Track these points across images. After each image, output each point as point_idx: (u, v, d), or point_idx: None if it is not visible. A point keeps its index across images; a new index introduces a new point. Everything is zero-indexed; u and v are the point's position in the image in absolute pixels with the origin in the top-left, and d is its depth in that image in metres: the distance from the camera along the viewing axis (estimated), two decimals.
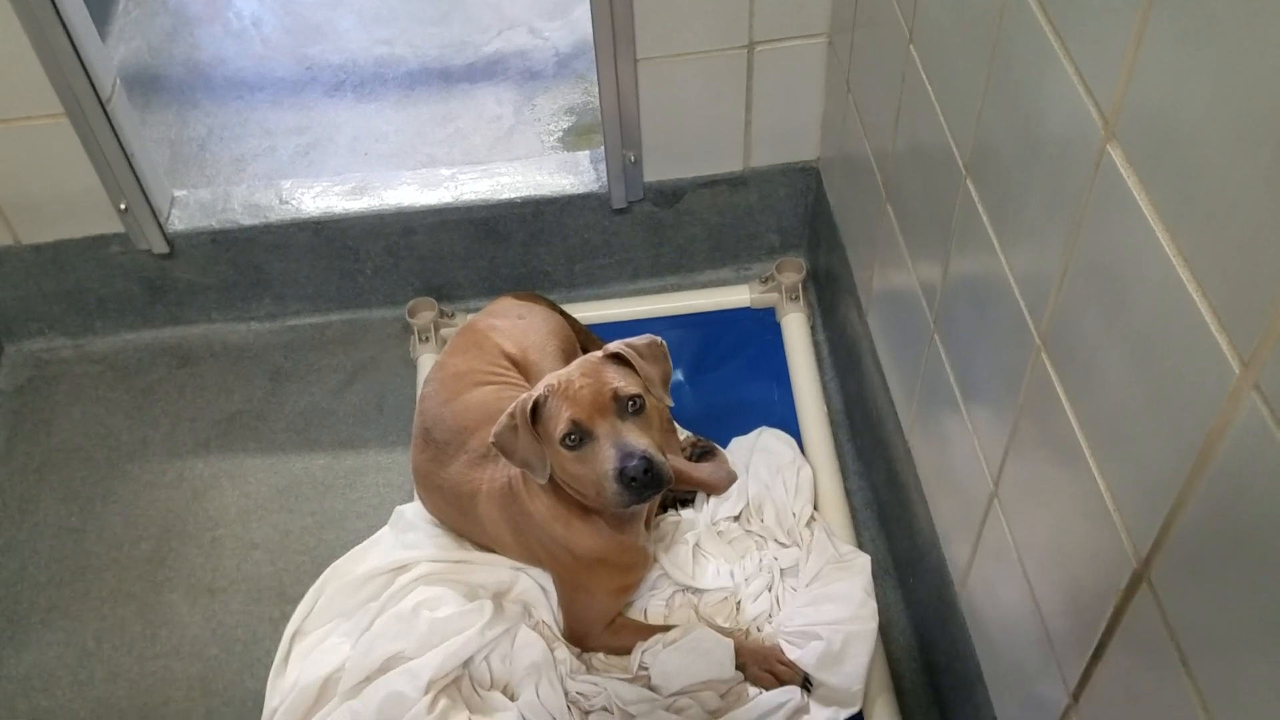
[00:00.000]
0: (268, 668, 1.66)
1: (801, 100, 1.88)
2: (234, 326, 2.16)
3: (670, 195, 2.03)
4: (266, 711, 1.60)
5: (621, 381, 1.41)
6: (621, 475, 1.36)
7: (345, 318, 2.16)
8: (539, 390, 1.43)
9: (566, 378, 1.42)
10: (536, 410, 1.42)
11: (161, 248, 2.00)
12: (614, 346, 1.46)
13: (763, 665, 1.54)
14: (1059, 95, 0.94)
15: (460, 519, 1.69)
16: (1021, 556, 1.14)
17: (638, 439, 1.38)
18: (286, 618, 1.70)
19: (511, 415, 1.44)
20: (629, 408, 1.40)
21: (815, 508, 1.73)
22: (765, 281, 2.07)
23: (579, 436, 1.39)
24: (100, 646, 1.76)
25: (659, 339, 1.50)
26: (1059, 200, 0.96)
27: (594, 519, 1.53)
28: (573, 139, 2.37)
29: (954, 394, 1.30)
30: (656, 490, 1.39)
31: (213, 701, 1.68)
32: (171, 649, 1.75)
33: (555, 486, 1.51)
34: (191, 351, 2.15)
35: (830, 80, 1.83)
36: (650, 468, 1.35)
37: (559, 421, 1.40)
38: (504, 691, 1.58)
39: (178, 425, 2.03)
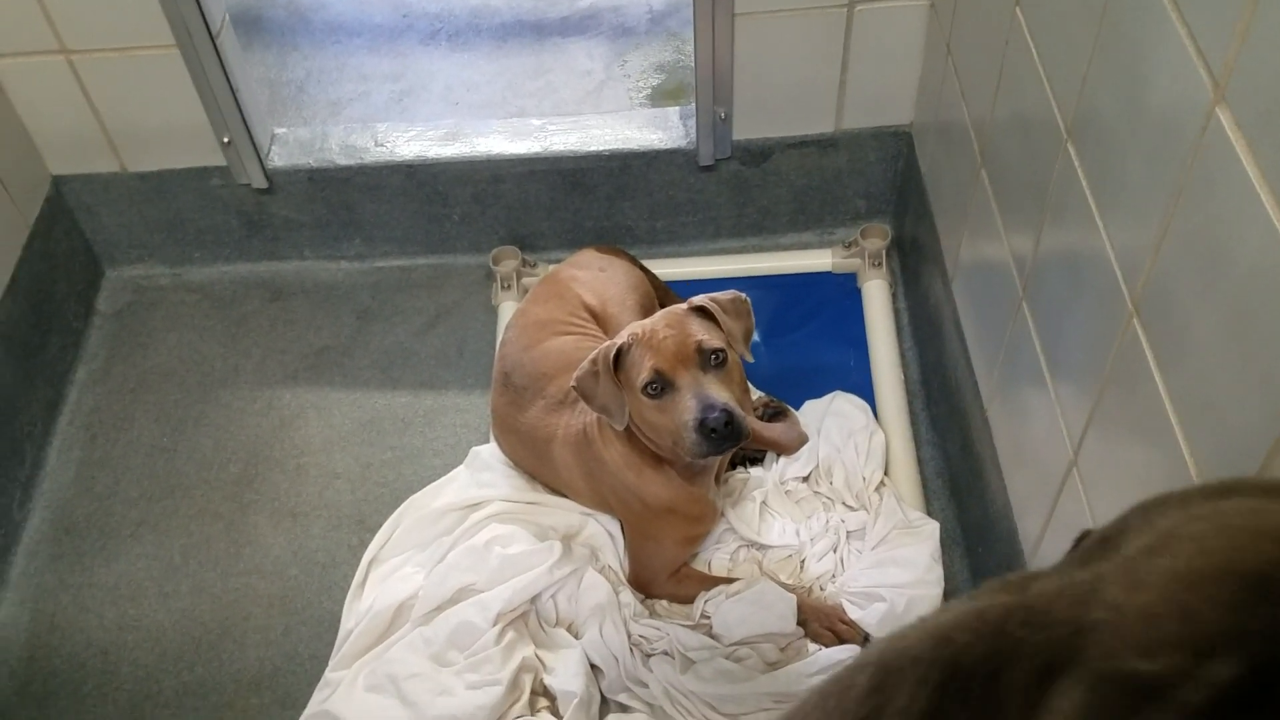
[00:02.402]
0: (345, 591, 1.72)
1: (899, 62, 1.87)
2: (325, 265, 2.21)
3: (758, 154, 2.03)
4: (342, 632, 1.65)
5: (705, 334, 1.42)
6: (701, 426, 1.38)
7: (431, 262, 2.20)
8: (622, 338, 1.46)
9: (651, 327, 1.44)
10: (619, 358, 1.45)
11: (261, 183, 2.06)
12: (699, 300, 1.48)
13: (824, 623, 1.56)
14: (1168, 56, 0.93)
15: (534, 462, 1.73)
16: (1096, 524, 1.14)
17: (718, 391, 1.40)
18: (364, 545, 1.75)
19: (594, 361, 1.46)
20: (711, 361, 1.42)
21: (886, 474, 1.73)
22: (848, 247, 2.07)
23: (660, 385, 1.41)
24: (186, 561, 1.83)
25: (743, 295, 1.51)
26: (1162, 164, 0.96)
27: (666, 469, 1.55)
28: (661, 98, 2.37)
29: (1039, 363, 1.30)
30: (734, 443, 1.41)
31: (291, 620, 1.75)
32: (254, 567, 1.81)
33: (630, 435, 1.53)
34: (284, 286, 2.20)
35: (930, 43, 1.81)
36: (730, 420, 1.37)
37: (641, 370, 1.42)
38: (568, 630, 1.62)
39: (268, 356, 2.09)
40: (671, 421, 1.42)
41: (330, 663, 1.62)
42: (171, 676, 1.70)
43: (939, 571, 1.56)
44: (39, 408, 1.98)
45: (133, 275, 2.24)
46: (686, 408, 1.40)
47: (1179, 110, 0.91)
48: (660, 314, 1.49)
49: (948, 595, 1.58)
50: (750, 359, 1.51)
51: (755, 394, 1.85)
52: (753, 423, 1.77)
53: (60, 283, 2.09)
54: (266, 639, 1.73)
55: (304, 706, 1.59)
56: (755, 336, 1.97)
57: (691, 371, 1.41)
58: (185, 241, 2.18)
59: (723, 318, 1.46)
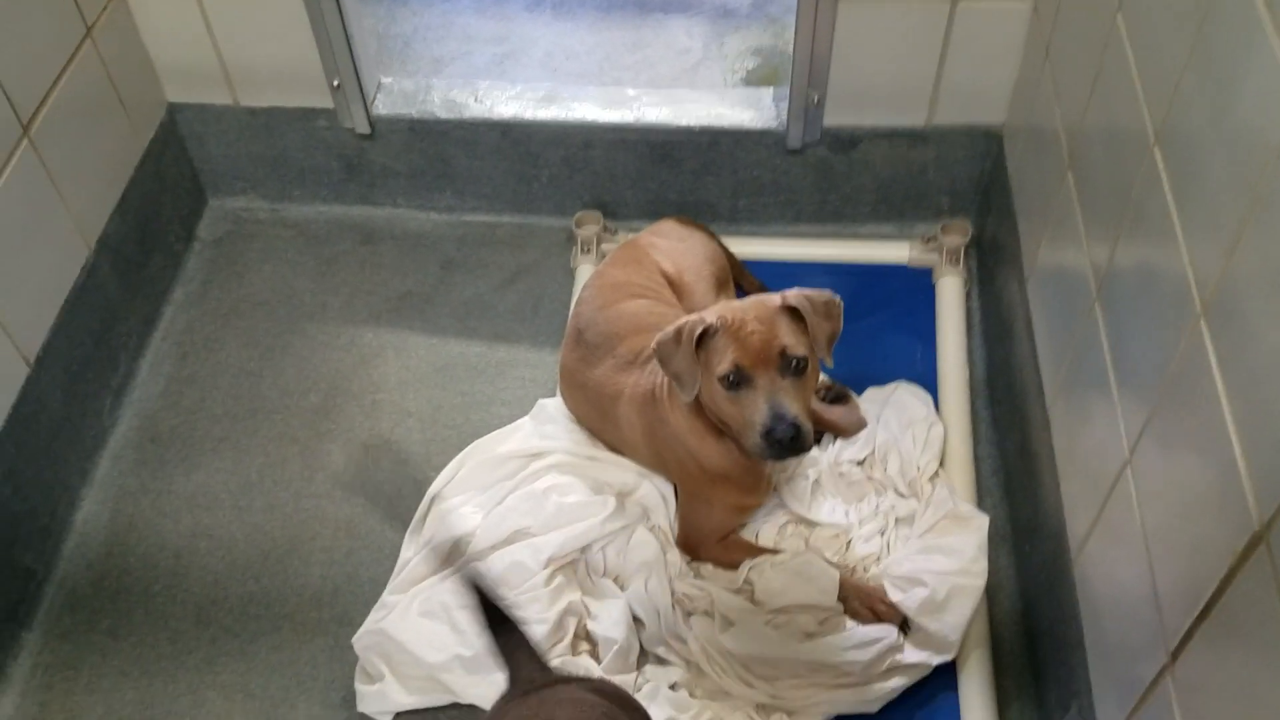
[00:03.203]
0: (407, 522, 1.76)
1: (996, 62, 1.87)
2: (415, 214, 2.25)
3: (846, 142, 2.03)
4: (401, 560, 1.70)
5: (791, 339, 1.43)
6: (768, 434, 1.39)
7: (516, 221, 2.23)
8: (711, 318, 1.45)
9: (740, 317, 1.44)
10: (704, 336, 1.45)
11: (364, 128, 2.11)
12: (792, 297, 1.46)
13: (864, 601, 1.57)
14: (1260, 68, 0.95)
15: (598, 419, 1.75)
16: (1144, 521, 1.16)
17: (791, 402, 1.40)
18: (429, 481, 1.79)
19: (680, 330, 1.46)
20: (792, 366, 1.42)
21: (940, 465, 1.73)
22: (927, 242, 2.07)
23: (737, 379, 1.43)
24: (262, 479, 1.89)
25: (838, 298, 1.50)
26: (1243, 172, 0.97)
27: (726, 440, 1.57)
28: (755, 82, 2.38)
29: (1105, 367, 1.31)
30: (795, 455, 1.43)
31: (355, 543, 1.80)
32: (325, 492, 1.86)
33: (696, 403, 1.55)
34: (375, 231, 2.24)
35: (1029, 45, 1.81)
36: (797, 436, 1.38)
37: (722, 359, 1.42)
38: (615, 581, 1.66)
39: (355, 295, 2.14)
40: (739, 415, 1.44)
41: (388, 586, 1.67)
42: (238, 584, 1.76)
43: (984, 564, 1.57)
44: (136, 321, 2.06)
45: (234, 206, 2.30)
46: (758, 409, 1.40)
47: (1265, 119, 0.92)
48: (751, 302, 1.48)
49: (989, 590, 1.59)
50: (830, 364, 1.50)
51: (819, 377, 1.86)
52: (815, 405, 1.79)
53: (166, 206, 2.15)
54: (330, 559, 1.78)
55: (360, 624, 1.64)
56: None
57: (770, 373, 1.42)
58: (286, 179, 2.23)
59: (812, 319, 1.45)
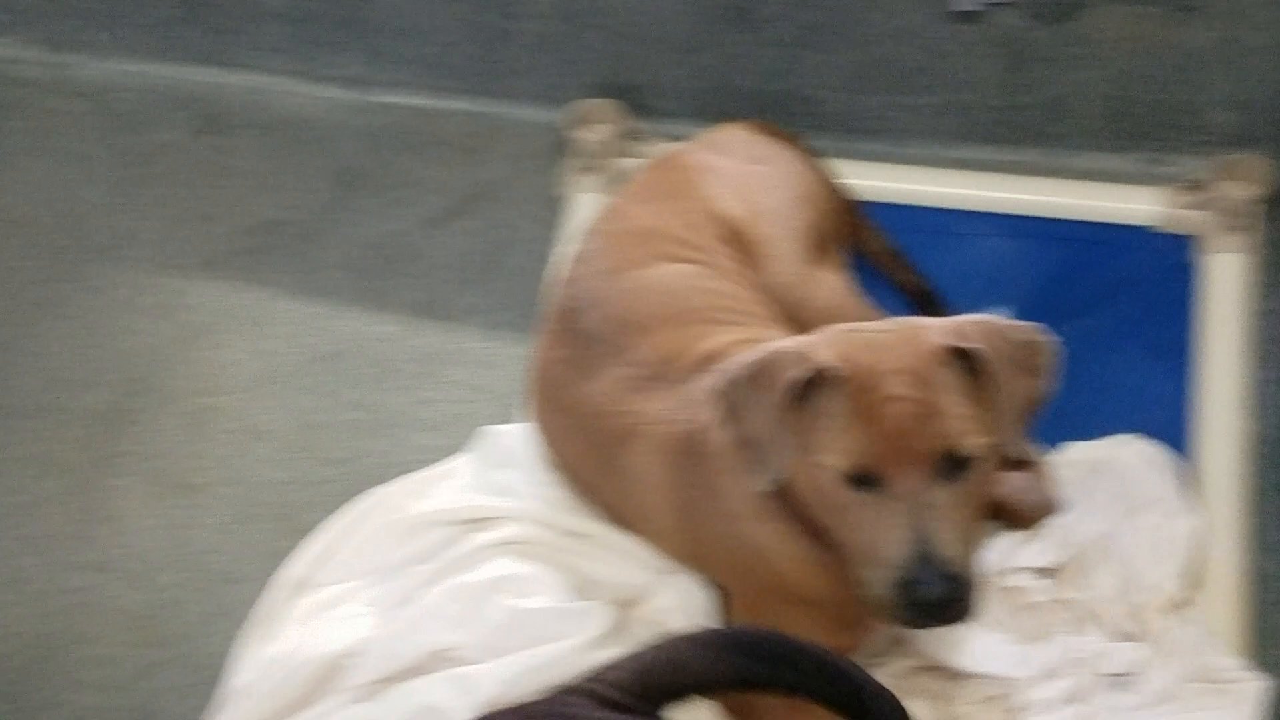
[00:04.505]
0: (245, 621, 1.70)
1: None
2: (297, 86, 2.21)
3: (1058, 5, 1.95)
4: (228, 688, 1.65)
5: (961, 418, 1.36)
6: (908, 589, 1.34)
7: (472, 108, 2.17)
8: (825, 355, 1.39)
9: (879, 371, 1.37)
10: (809, 386, 1.39)
11: None
12: (965, 332, 1.40)
13: None
14: None
15: (594, 467, 1.69)
16: None
17: (949, 531, 1.35)
18: (286, 553, 1.73)
19: (765, 369, 1.40)
20: (957, 466, 1.37)
21: (1192, 587, 1.68)
22: (1193, 189, 1.99)
23: (863, 479, 1.38)
24: (1, 535, 1.82)
25: (1046, 337, 1.44)
26: None
27: (821, 548, 1.50)
28: None
29: None
30: (944, 624, 1.39)
31: (153, 655, 1.73)
32: (104, 562, 1.80)
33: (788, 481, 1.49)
34: (226, 111, 2.21)
35: None
36: (952, 598, 1.34)
37: (840, 440, 1.37)
38: None
39: (183, 221, 2.08)
40: (860, 540, 1.39)
41: None
42: None
43: None
44: None
45: None
46: (892, 538, 1.35)
47: None
48: (899, 333, 1.42)
49: None
50: (1015, 452, 1.50)
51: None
52: None
53: None
54: (109, 680, 1.72)
55: None
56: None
57: (917, 476, 1.35)
58: (78, 11, 2.13)
59: (1001, 375, 1.38)
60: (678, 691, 1.18)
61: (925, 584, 1.34)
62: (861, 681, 1.20)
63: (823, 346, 1.41)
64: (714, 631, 1.18)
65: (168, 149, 2.12)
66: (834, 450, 1.37)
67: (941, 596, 1.34)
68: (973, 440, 1.37)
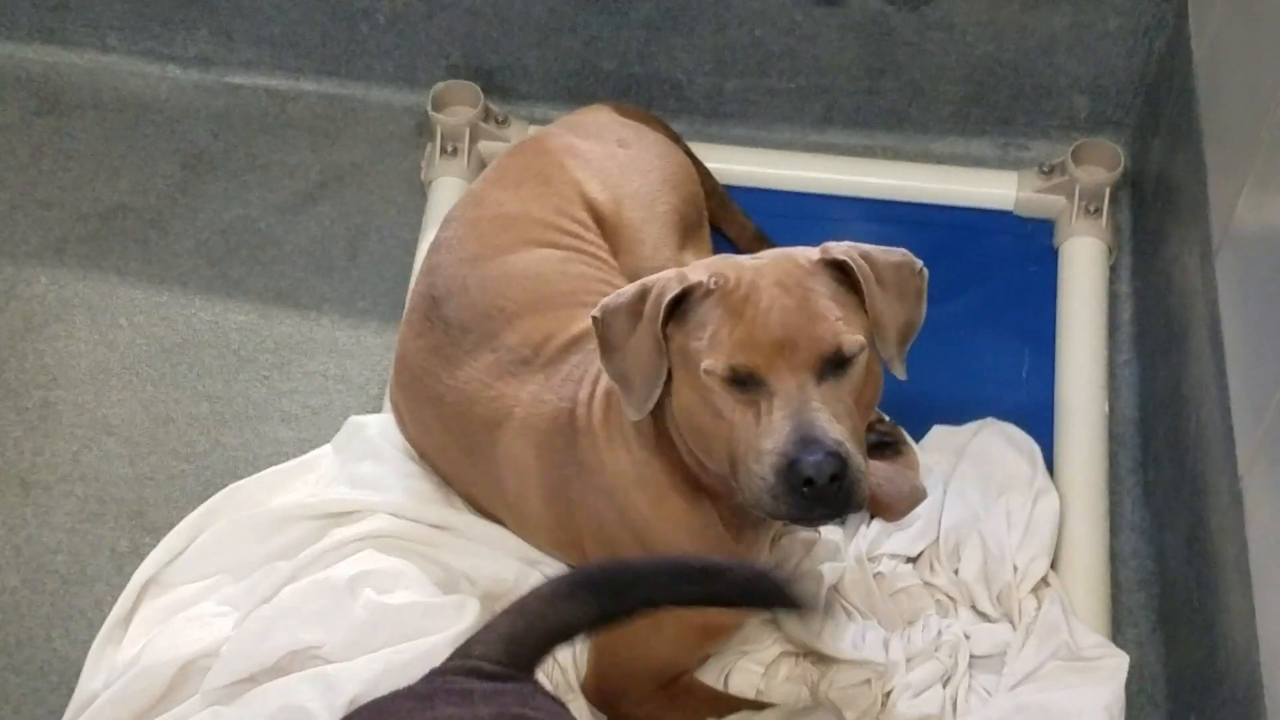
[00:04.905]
0: (94, 624, 1.67)
1: None
2: (142, 66, 2.19)
3: None
4: (81, 694, 1.61)
5: (840, 316, 1.39)
6: (791, 470, 1.35)
7: (327, 89, 2.17)
8: (699, 273, 1.43)
9: (751, 275, 1.42)
10: (681, 303, 1.42)
11: None
12: (841, 249, 1.44)
13: None
14: None
15: (460, 456, 1.69)
16: None
17: (829, 421, 1.37)
18: (139, 552, 1.72)
19: (643, 293, 1.43)
20: (836, 365, 1.39)
21: (1053, 567, 1.71)
22: (1048, 173, 2.02)
23: (741, 381, 1.40)
24: None
25: (918, 262, 1.48)
26: None
27: (701, 504, 1.52)
28: None
29: None
30: (837, 514, 1.42)
31: None
32: None
33: (658, 435, 1.51)
34: (66, 91, 2.19)
35: None
36: (841, 475, 1.35)
37: (717, 346, 1.39)
38: None
39: (20, 207, 2.07)
40: (740, 438, 1.40)
41: None
42: None
43: None
44: None
45: None
46: (773, 430, 1.37)
47: None
48: (770, 256, 1.46)
49: None
50: (902, 374, 1.48)
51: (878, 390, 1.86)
52: None
53: None
54: None
55: None
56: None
57: (799, 374, 1.38)
58: None
59: (874, 292, 1.42)
60: (545, 649, 1.20)
61: (811, 463, 1.34)
62: (720, 567, 1.23)
63: (699, 268, 1.45)
64: (560, 580, 1.19)
65: (2, 131, 2.12)
66: (714, 353, 1.39)
67: (824, 473, 1.34)
68: (850, 338, 1.40)
